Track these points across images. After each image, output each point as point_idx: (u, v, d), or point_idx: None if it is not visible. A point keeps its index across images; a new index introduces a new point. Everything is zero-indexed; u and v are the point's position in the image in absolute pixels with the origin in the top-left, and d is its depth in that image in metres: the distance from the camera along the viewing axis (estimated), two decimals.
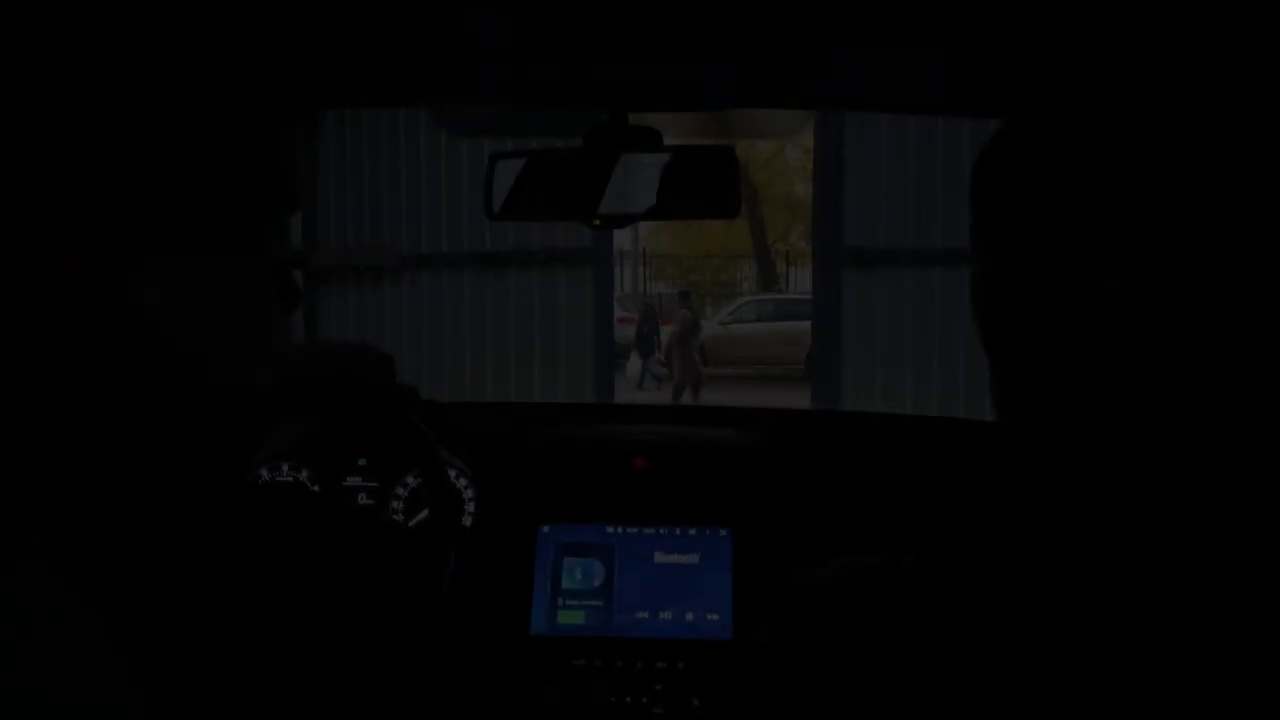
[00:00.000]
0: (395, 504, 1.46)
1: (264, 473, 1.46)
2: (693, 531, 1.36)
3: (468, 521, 1.43)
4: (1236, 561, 0.42)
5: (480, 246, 7.93)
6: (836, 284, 7.46)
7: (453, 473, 1.34)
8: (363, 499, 1.47)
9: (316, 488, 1.46)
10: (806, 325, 13.66)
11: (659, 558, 1.36)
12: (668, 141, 1.22)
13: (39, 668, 0.40)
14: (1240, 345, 0.37)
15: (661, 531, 1.37)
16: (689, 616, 1.32)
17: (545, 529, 1.39)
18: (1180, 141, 0.41)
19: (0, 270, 0.46)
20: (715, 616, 1.32)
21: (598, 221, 1.24)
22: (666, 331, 14.70)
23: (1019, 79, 0.94)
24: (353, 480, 1.48)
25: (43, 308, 0.47)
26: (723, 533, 1.36)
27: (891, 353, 7.31)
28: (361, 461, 1.49)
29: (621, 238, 20.00)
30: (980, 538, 0.51)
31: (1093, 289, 0.44)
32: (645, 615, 1.33)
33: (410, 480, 1.47)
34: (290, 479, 1.47)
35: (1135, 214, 0.42)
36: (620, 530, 1.37)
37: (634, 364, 13.33)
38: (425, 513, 1.43)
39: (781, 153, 18.45)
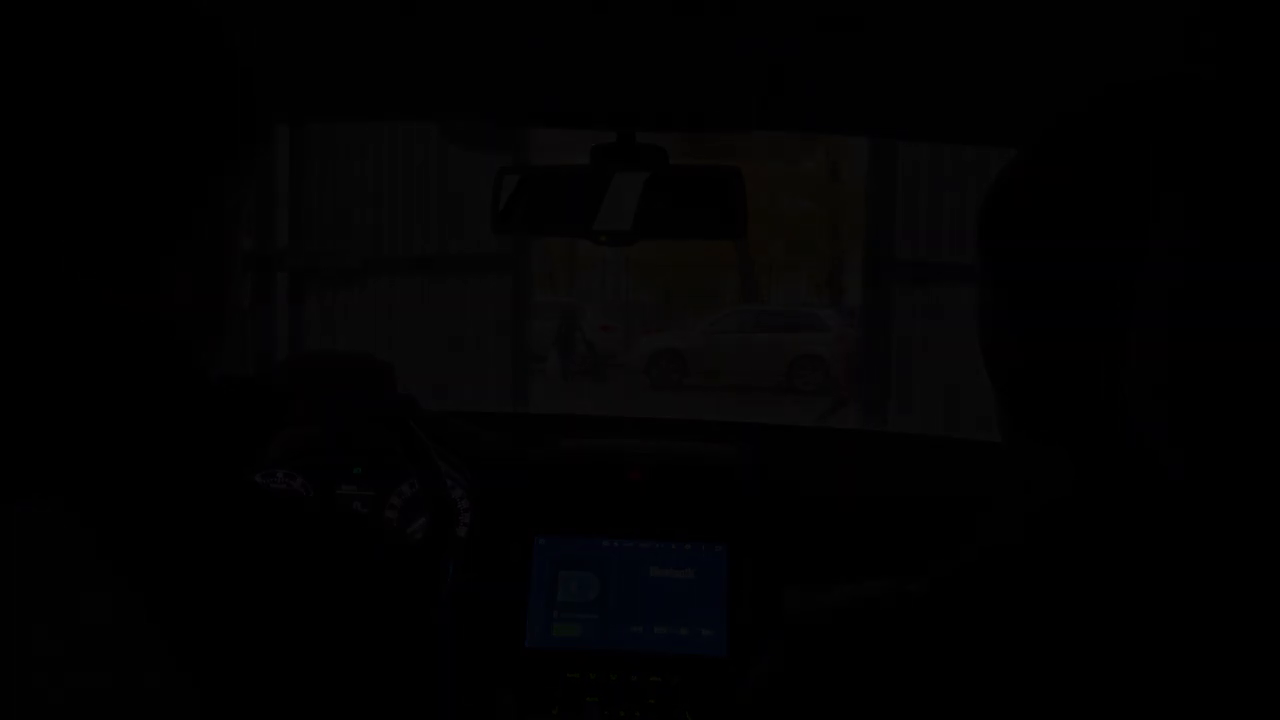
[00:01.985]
0: (390, 513, 1.47)
1: (258, 480, 1.46)
2: (688, 546, 1.37)
3: (463, 532, 1.43)
4: (1263, 599, 0.43)
5: (425, 250, 8.10)
6: (887, 299, 7.50)
7: (449, 483, 1.34)
8: (358, 507, 1.47)
9: (311, 495, 1.46)
10: (788, 337, 13.73)
11: (654, 572, 1.36)
12: (672, 160, 1.23)
13: (96, 664, 0.41)
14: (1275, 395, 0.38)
15: (657, 545, 1.38)
16: (683, 631, 1.33)
17: (541, 540, 1.39)
18: (1200, 179, 0.42)
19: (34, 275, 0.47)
20: (709, 632, 1.32)
21: (604, 238, 1.25)
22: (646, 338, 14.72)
23: (1022, 110, 0.96)
24: (347, 489, 1.48)
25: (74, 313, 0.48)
26: (718, 548, 1.37)
27: (926, 366, 7.37)
28: (356, 470, 1.49)
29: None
30: (993, 568, 0.52)
31: (1115, 331, 0.45)
32: (640, 629, 1.33)
33: (405, 489, 1.47)
34: (284, 486, 1.47)
35: (1160, 254, 0.43)
36: (615, 543, 1.38)
37: (552, 362, 13.61)
38: (421, 521, 1.43)
39: (765, 166, 18.50)
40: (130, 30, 0.51)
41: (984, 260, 0.56)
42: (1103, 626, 0.46)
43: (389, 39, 0.92)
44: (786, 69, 0.92)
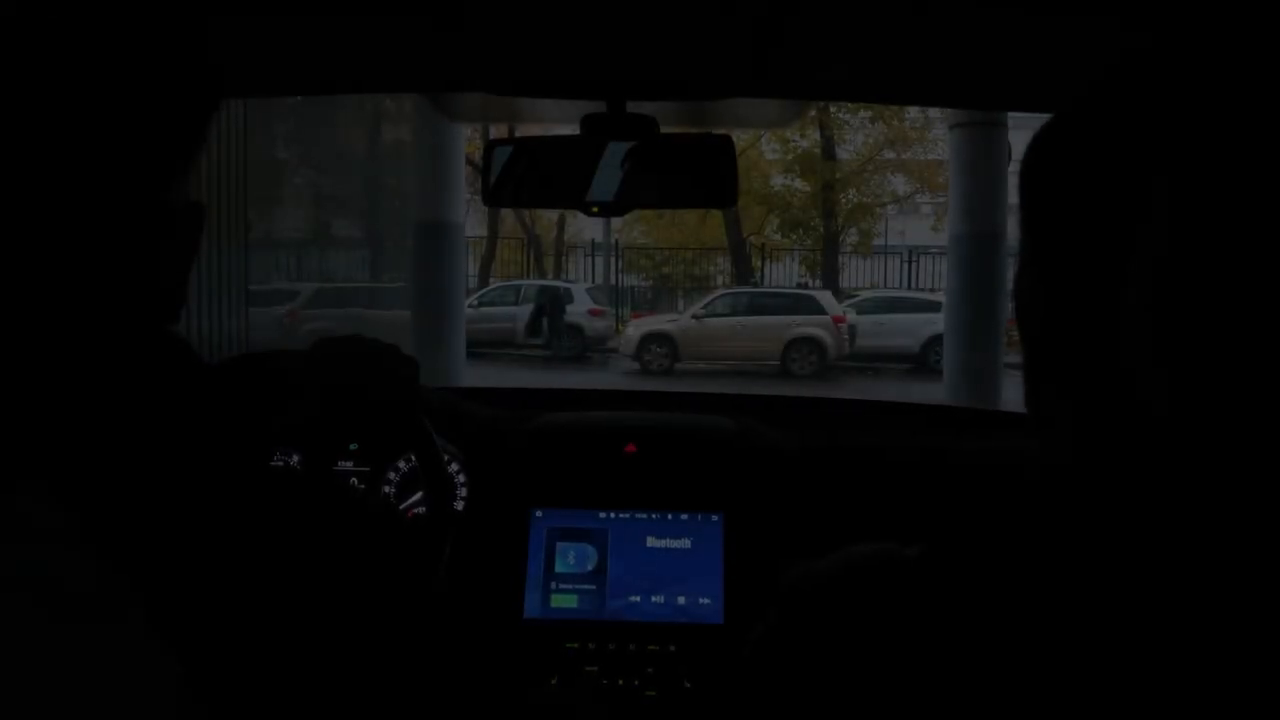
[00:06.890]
0: (387, 489, 1.47)
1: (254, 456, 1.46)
2: (684, 516, 1.38)
3: (460, 506, 1.43)
4: (1251, 554, 0.43)
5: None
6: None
7: (445, 458, 1.35)
8: (354, 484, 1.47)
9: (305, 471, 1.46)
10: (781, 319, 13.63)
11: (651, 542, 1.37)
12: (663, 130, 1.23)
13: (76, 650, 0.41)
14: (1258, 336, 0.39)
15: (654, 516, 1.38)
16: (680, 600, 1.34)
17: (538, 513, 1.40)
18: (1209, 139, 0.43)
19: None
20: (707, 600, 1.33)
21: (595, 209, 1.24)
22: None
23: (1022, 75, 0.95)
24: (344, 465, 1.48)
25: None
26: (714, 518, 1.38)
27: None
28: (353, 446, 1.49)
29: (594, 228, 19.89)
30: (988, 533, 0.52)
31: (1117, 274, 0.45)
32: (637, 599, 1.34)
33: (401, 465, 1.47)
34: (281, 464, 1.47)
35: (1165, 202, 0.44)
36: (613, 515, 1.39)
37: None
38: (416, 496, 1.44)
39: (757, 144, 18.46)
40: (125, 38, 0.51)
41: (1021, 219, 0.56)
42: (1100, 587, 0.46)
43: (375, 8, 0.92)
44: (776, 28, 0.92)
